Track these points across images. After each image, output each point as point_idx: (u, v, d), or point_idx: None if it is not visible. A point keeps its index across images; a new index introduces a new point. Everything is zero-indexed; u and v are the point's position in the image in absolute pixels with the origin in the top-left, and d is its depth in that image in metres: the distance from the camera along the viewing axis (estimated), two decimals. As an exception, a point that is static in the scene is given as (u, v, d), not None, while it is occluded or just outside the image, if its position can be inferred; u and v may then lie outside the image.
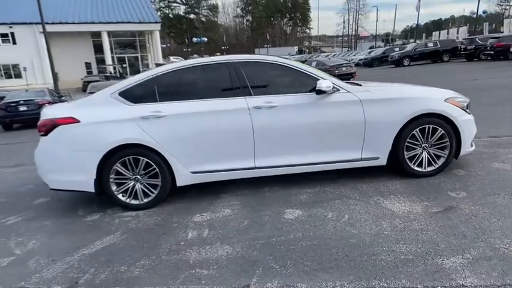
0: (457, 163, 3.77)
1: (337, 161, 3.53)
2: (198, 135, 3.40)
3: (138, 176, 3.44)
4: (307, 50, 67.87)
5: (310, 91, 3.49)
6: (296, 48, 63.28)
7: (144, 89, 3.50)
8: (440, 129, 3.47)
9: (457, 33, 35.03)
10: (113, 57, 33.57)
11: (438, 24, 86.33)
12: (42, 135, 3.44)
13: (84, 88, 27.08)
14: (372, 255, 2.32)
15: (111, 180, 3.41)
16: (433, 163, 3.58)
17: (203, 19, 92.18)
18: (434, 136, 3.50)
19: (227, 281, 2.20)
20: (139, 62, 36.84)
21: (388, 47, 35.32)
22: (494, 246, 2.27)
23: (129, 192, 3.46)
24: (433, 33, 46.03)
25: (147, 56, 37.09)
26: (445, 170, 3.60)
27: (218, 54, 65.53)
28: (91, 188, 3.45)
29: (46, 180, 3.52)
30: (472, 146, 3.67)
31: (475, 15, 40.42)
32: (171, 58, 55.01)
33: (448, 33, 37.50)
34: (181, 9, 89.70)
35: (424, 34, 57.73)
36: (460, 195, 3.09)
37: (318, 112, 3.45)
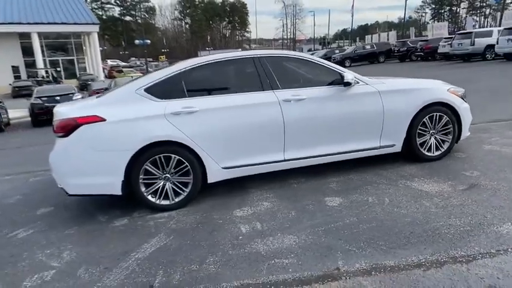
0: (454, 147, 4.20)
1: (359, 149, 3.73)
2: (230, 130, 3.36)
3: (168, 175, 3.30)
4: None
5: (329, 84, 3.65)
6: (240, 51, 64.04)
7: (171, 84, 3.36)
8: (445, 116, 3.85)
9: (388, 36, 38.41)
10: (44, 61, 30.73)
11: (365, 29, 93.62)
12: (62, 136, 3.13)
13: (14, 94, 24.44)
14: (434, 230, 2.52)
15: (140, 180, 3.22)
16: (440, 148, 3.95)
17: (140, 21, 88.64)
18: (441, 123, 3.87)
19: (314, 266, 2.24)
20: (76, 66, 34.27)
21: (329, 49, 37.34)
22: (529, 212, 2.62)
23: (158, 192, 3.30)
24: (366, 36, 49.76)
25: (84, 59, 34.61)
26: (448, 153, 3.99)
27: (162, 57, 63.45)
28: (117, 191, 3.22)
29: (64, 184, 3.21)
30: (468, 131, 4.13)
31: (402, 21, 44.62)
32: (109, 61, 52.02)
33: (379, 37, 40.88)
34: (115, 11, 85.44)
35: (358, 37, 62.04)
36: (474, 174, 3.47)
37: (342, 104, 3.62)
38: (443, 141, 3.95)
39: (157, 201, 3.31)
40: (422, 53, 22.87)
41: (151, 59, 49.95)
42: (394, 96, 3.73)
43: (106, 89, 15.81)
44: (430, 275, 2.05)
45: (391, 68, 22.15)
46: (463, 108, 3.93)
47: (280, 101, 3.44)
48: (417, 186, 3.32)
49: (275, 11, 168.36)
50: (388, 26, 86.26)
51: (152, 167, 3.23)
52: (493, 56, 17.77)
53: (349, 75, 3.54)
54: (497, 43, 16.63)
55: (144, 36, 42.42)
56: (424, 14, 78.90)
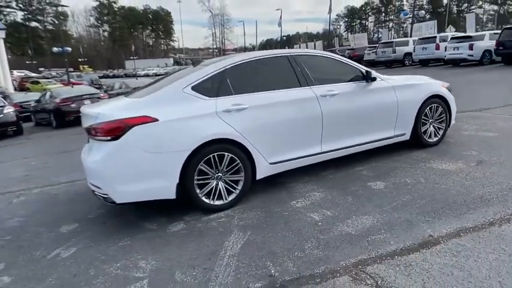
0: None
1: (379, 139, 4.12)
2: (276, 125, 3.46)
3: (221, 174, 3.26)
4: (184, 62, 67.69)
5: (354, 80, 3.98)
6: (172, 60, 62.26)
7: (216, 82, 3.35)
8: (440, 107, 4.46)
9: (314, 46, 41.29)
10: None
11: (288, 40, 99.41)
12: (110, 140, 2.89)
13: None
14: (480, 197, 2.97)
15: (195, 182, 3.13)
16: (437, 135, 4.55)
17: (50, 27, 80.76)
18: (437, 113, 4.47)
19: (409, 237, 2.48)
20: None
21: None
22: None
23: (212, 192, 3.24)
24: (294, 45, 52.70)
25: (-12, 68, 30.29)
26: (442, 139, 4.61)
27: (85, 66, 58.53)
28: (171, 194, 3.10)
29: (112, 192, 2.96)
30: (453, 120, 4.81)
31: (320, 32, 48.30)
32: (15, 72, 46.34)
33: (307, 46, 43.69)
34: (18, 16, 76.46)
35: (286, 47, 65.16)
36: (473, 153, 4.09)
37: (366, 98, 3.97)
38: (439, 129, 4.56)
39: (212, 202, 3.24)
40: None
41: (72, 69, 45.78)
42: (404, 91, 4.21)
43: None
44: (507, 229, 2.44)
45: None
46: (451, 99, 4.60)
47: (318, 96, 3.65)
48: (437, 166, 3.80)
49: (203, 20, 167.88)
50: (308, 36, 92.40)
51: (206, 166, 3.17)
52: (410, 62, 20.36)
53: (373, 72, 3.92)
54: (414, 51, 19.14)
55: (48, 44, 38.65)
56: (339, 26, 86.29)
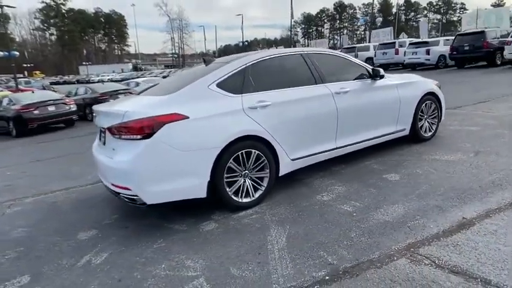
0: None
1: (384, 134, 4.33)
2: (298, 122, 3.53)
3: (247, 171, 3.25)
4: (143, 67, 65.61)
5: (362, 77, 4.16)
6: (130, 65, 60.01)
7: (239, 79, 3.35)
8: (433, 103, 4.79)
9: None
10: None
11: (248, 45, 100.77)
12: (140, 139, 2.78)
13: None
14: (492, 182, 3.24)
15: (224, 179, 3.10)
16: (431, 129, 4.87)
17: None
18: (431, 109, 4.80)
19: (445, 220, 2.65)
20: None
21: None
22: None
23: (241, 190, 3.22)
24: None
25: None
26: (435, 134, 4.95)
27: (37, 72, 54.44)
28: (203, 193, 3.04)
29: (143, 194, 2.84)
30: (443, 116, 5.18)
31: (276, 38, 49.42)
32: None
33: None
34: None
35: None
36: (467, 145, 4.43)
37: (373, 94, 4.17)
38: (432, 124, 4.89)
39: (240, 200, 3.22)
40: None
41: (21, 75, 42.58)
42: (405, 88, 4.47)
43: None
44: (528, 208, 2.70)
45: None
46: (442, 97, 4.95)
47: (333, 93, 3.78)
48: (440, 158, 4.08)
49: (159, 24, 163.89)
50: (267, 42, 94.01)
51: (235, 164, 3.15)
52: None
53: (381, 70, 4.13)
54: (375, 56, 20.22)
55: (2, 48, 35.95)
56: (296, 33, 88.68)
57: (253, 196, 3.29)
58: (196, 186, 3.00)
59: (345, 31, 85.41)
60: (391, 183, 3.51)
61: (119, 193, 3.01)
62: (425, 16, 75.13)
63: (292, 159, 3.54)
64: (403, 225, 2.66)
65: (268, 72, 3.58)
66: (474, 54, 14.97)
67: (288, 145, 3.46)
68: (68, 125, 11.75)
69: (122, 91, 13.38)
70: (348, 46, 24.97)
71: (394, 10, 67.55)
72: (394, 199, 3.13)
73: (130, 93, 13.49)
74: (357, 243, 2.49)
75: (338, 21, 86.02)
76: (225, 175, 3.10)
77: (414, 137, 4.71)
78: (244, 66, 3.42)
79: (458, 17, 66.57)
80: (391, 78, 4.43)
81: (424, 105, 4.66)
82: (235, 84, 3.31)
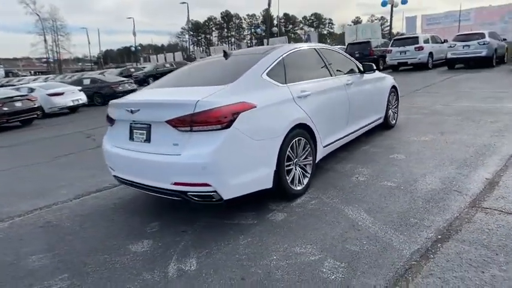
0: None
1: (372, 121, 4.89)
2: (328, 110, 3.76)
3: (297, 159, 3.32)
4: (19, 73, 54.98)
5: (355, 72, 4.62)
6: (2, 71, 49.31)
7: (281, 69, 3.41)
8: (395, 95, 5.62)
9: (174, 57, 41.02)
10: None
11: (130, 50, 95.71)
12: (221, 129, 2.59)
13: None
14: (476, 152, 4.04)
15: (285, 168, 3.11)
16: (394, 118, 5.68)
17: None
18: (394, 100, 5.61)
19: (477, 181, 3.23)
20: None
21: (124, 67, 35.52)
22: (494, 135, 4.60)
23: (295, 178, 3.27)
24: (151, 57, 50.78)
25: None
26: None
27: None
28: (269, 183, 3.00)
29: (223, 188, 2.65)
30: (396, 106, 6.08)
31: (163, 44, 48.39)
32: None
33: (165, 58, 42.82)
34: None
35: (142, 58, 61.74)
36: (428, 128, 5.35)
37: (366, 86, 4.68)
38: (394, 113, 5.71)
39: (295, 188, 3.26)
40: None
41: None
42: (381, 81, 5.14)
43: None
44: (519, 168, 3.50)
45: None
46: (398, 90, 5.84)
47: (344, 84, 4.12)
48: (418, 139, 4.83)
49: (25, 24, 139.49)
50: (154, 48, 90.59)
51: (291, 152, 3.18)
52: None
53: (373, 65, 4.66)
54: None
55: None
56: (185, 40, 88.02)
57: (302, 183, 3.36)
58: (265, 177, 2.93)
59: (233, 39, 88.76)
60: (403, 161, 4.02)
61: (184, 192, 2.71)
62: (301, 29, 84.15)
63: (324, 146, 3.73)
64: (449, 190, 3.14)
65: (296, 64, 3.70)
66: (363, 60, 17.57)
67: (322, 133, 3.64)
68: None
69: (18, 98, 11.35)
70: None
71: (275, 22, 73.31)
72: (420, 172, 3.62)
73: (30, 100, 11.59)
74: (430, 208, 2.84)
75: (226, 30, 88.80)
76: (286, 163, 3.10)
77: (385, 124, 5.43)
78: (281, 57, 3.47)
79: (328, 30, 76.14)
80: (373, 72, 5.02)
81: (390, 96, 5.43)
82: (279, 74, 3.34)
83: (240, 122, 2.69)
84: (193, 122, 2.61)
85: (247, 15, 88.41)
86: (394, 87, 5.55)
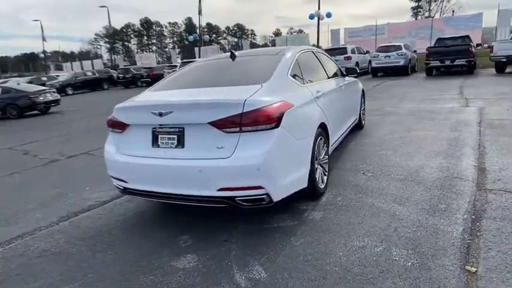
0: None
1: (352, 122, 5.20)
2: (334, 111, 3.91)
3: (319, 158, 3.38)
4: None
5: (337, 75, 4.89)
6: None
7: (297, 70, 3.44)
8: (363, 98, 6.08)
9: (92, 65, 37.76)
10: None
11: (33, 57, 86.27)
12: (272, 128, 2.52)
13: None
14: (449, 144, 4.58)
15: (315, 167, 3.14)
16: (363, 119, 6.13)
17: None
18: (362, 102, 6.05)
19: (472, 167, 3.67)
20: None
21: (35, 76, 31.63)
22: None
23: (319, 177, 3.32)
24: (64, 64, 45.91)
25: None
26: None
27: None
28: (305, 183, 3.01)
29: (274, 190, 2.58)
30: (361, 108, 6.55)
31: (73, 52, 44.57)
32: None
33: (82, 66, 39.16)
34: None
35: (52, 65, 55.14)
36: (395, 128, 5.88)
37: (350, 88, 4.96)
38: (363, 115, 6.16)
39: (321, 186, 3.31)
40: (149, 79, 25.13)
41: None
42: (357, 85, 5.53)
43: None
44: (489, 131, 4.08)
45: (123, 94, 22.76)
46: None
47: (340, 86, 4.33)
48: (392, 137, 5.28)
49: None
50: (62, 55, 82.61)
51: (317, 150, 3.23)
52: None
53: (356, 69, 4.98)
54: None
55: None
56: (99, 46, 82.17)
57: (323, 182, 3.42)
58: (303, 176, 2.92)
59: (154, 47, 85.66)
60: (394, 156, 4.35)
61: (232, 198, 2.55)
62: (225, 39, 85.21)
63: (331, 145, 3.85)
64: (452, 177, 3.50)
65: (306, 65, 3.76)
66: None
67: (331, 132, 3.76)
68: None
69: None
70: (185, 60, 25.45)
71: (198, 31, 73.01)
72: (415, 164, 3.96)
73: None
74: (448, 194, 3.14)
75: (146, 38, 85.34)
76: (315, 162, 3.14)
77: (359, 124, 5.82)
78: (296, 58, 3.50)
79: (251, 41, 78.56)
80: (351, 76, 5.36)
81: (361, 99, 5.85)
82: (298, 74, 3.37)
83: (285, 121, 2.64)
84: (242, 122, 2.48)
85: (169, 23, 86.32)
86: (363, 90, 5.99)
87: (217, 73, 3.50)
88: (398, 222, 2.72)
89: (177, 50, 33.28)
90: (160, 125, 2.73)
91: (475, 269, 2.09)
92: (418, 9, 56.95)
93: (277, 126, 2.56)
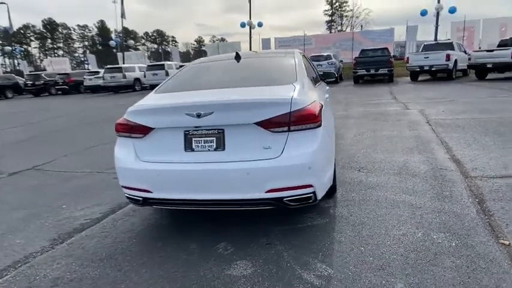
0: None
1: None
2: (329, 112, 4.06)
3: (331, 157, 3.52)
4: None
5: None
6: None
7: (308, 72, 3.51)
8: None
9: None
10: None
11: None
12: (316, 127, 2.57)
13: None
14: (416, 147, 5.15)
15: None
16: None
17: None
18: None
19: (453, 158, 4.18)
20: None
21: None
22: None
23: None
24: None
25: None
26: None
27: None
28: (332, 180, 3.09)
29: (320, 188, 2.62)
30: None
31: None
32: None
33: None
34: None
35: None
36: (360, 129, 6.37)
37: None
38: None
39: (335, 183, 3.42)
40: (66, 86, 22.77)
41: None
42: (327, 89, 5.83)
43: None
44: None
45: (42, 102, 20.28)
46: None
47: (326, 89, 4.54)
48: (361, 137, 5.72)
49: None
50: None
51: (332, 149, 3.36)
52: (140, 87, 21.67)
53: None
54: (145, 76, 20.69)
55: None
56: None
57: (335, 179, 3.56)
58: (332, 174, 3.00)
59: (61, 52, 77.78)
60: (375, 153, 4.73)
61: (280, 198, 2.50)
62: (144, 44, 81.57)
63: (329, 145, 4.03)
64: (437, 169, 3.95)
65: (307, 68, 3.87)
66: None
67: (331, 132, 3.94)
68: None
69: None
70: (112, 66, 23.57)
71: (113, 35, 68.90)
72: (399, 160, 4.37)
73: None
74: (444, 183, 3.53)
75: (50, 41, 77.06)
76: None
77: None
78: (302, 60, 3.59)
79: (173, 47, 76.59)
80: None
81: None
82: (310, 76, 3.46)
83: (323, 120, 2.70)
84: (291, 121, 2.47)
85: (78, 25, 79.33)
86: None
87: (236, 73, 3.40)
88: (420, 210, 2.98)
89: (126, 54, 30.39)
90: (196, 127, 2.55)
91: (508, 242, 2.41)
92: (332, 23, 62.39)
93: (320, 125, 2.60)
